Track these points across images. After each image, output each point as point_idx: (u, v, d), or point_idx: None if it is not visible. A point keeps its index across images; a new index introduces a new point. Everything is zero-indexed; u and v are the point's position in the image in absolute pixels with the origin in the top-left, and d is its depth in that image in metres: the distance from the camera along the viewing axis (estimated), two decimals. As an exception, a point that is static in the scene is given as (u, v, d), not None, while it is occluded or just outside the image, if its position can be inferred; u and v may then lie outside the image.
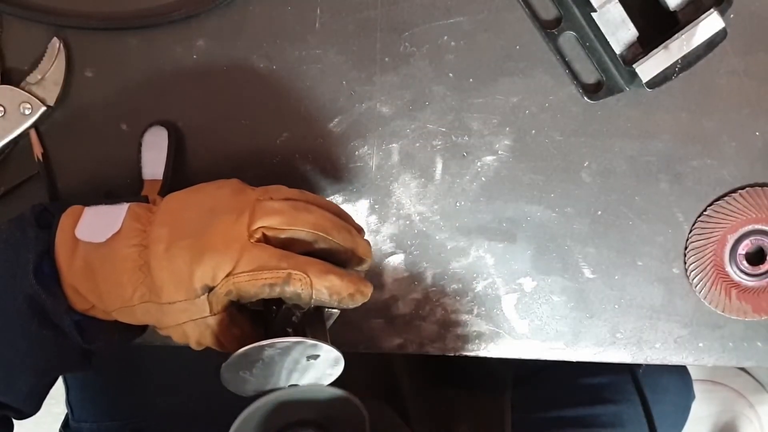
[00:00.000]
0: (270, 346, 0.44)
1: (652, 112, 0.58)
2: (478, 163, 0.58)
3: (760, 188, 0.58)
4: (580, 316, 0.60)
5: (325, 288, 0.45)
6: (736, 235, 0.59)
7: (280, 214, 0.46)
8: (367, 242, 0.50)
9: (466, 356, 0.61)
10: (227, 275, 0.44)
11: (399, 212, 0.59)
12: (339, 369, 0.47)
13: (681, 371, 0.83)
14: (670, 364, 0.62)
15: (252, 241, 0.45)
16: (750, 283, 0.59)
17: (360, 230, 0.51)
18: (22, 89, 0.55)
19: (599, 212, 0.59)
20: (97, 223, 0.48)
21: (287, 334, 0.46)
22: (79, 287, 0.47)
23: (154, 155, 0.55)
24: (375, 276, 0.59)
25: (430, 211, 0.59)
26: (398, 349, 0.61)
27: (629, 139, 0.58)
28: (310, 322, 0.47)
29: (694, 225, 0.59)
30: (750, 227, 0.59)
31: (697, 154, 0.58)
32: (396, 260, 0.59)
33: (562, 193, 0.59)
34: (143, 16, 0.55)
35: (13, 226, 0.48)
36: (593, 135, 0.58)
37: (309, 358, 0.46)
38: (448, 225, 0.59)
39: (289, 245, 0.46)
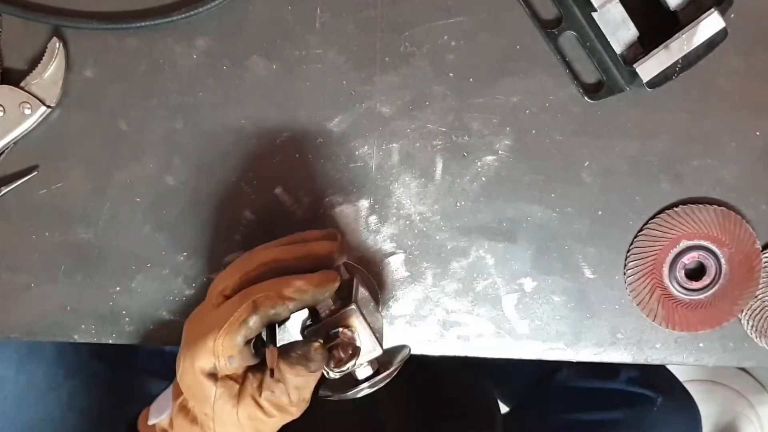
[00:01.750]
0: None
1: (652, 111, 0.57)
2: (479, 163, 0.58)
3: (694, 205, 0.58)
4: (580, 317, 0.60)
5: (293, 293, 0.47)
6: (676, 251, 0.59)
7: (228, 272, 0.50)
8: (327, 241, 0.51)
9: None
10: (212, 347, 0.46)
11: (399, 212, 0.59)
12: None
13: (692, 409, 0.83)
14: (670, 364, 0.62)
15: (214, 307, 0.48)
16: (690, 299, 0.59)
17: (330, 236, 0.52)
18: (22, 89, 0.55)
19: (600, 212, 0.59)
20: (160, 406, 0.53)
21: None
22: None
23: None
24: (375, 276, 0.59)
25: (430, 211, 0.59)
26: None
27: (630, 139, 0.58)
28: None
29: (632, 244, 0.59)
30: (690, 242, 0.59)
31: (698, 154, 0.58)
32: (396, 260, 0.59)
33: (563, 193, 0.59)
34: (143, 16, 0.55)
35: None
36: (594, 135, 0.58)
37: None
38: (448, 225, 0.59)
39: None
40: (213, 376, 0.47)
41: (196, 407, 0.49)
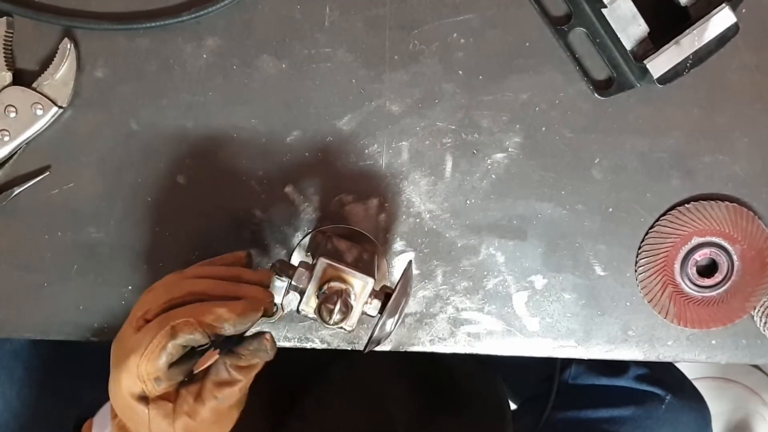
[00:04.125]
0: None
1: (663, 108, 0.57)
2: (488, 161, 0.58)
3: (706, 202, 0.58)
4: (591, 314, 0.60)
5: (213, 321, 0.45)
6: (688, 247, 0.58)
7: (153, 295, 0.48)
8: (261, 288, 0.49)
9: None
10: (137, 372, 0.45)
11: (409, 210, 0.59)
12: None
13: (701, 408, 0.82)
14: (682, 361, 0.62)
15: (135, 331, 0.46)
16: (701, 296, 0.59)
17: (265, 281, 0.50)
18: (34, 90, 0.55)
19: (610, 209, 0.59)
20: (103, 421, 0.53)
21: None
22: None
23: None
24: (384, 274, 0.59)
25: (440, 209, 0.59)
26: (409, 347, 0.61)
27: (640, 136, 0.58)
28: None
29: (643, 241, 0.59)
30: (702, 239, 0.58)
31: (709, 150, 0.58)
32: (406, 258, 0.59)
33: (573, 190, 0.58)
34: (153, 17, 0.55)
35: None
36: (604, 132, 0.58)
37: None
38: (458, 223, 0.59)
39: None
40: (144, 399, 0.46)
41: (134, 429, 0.48)
